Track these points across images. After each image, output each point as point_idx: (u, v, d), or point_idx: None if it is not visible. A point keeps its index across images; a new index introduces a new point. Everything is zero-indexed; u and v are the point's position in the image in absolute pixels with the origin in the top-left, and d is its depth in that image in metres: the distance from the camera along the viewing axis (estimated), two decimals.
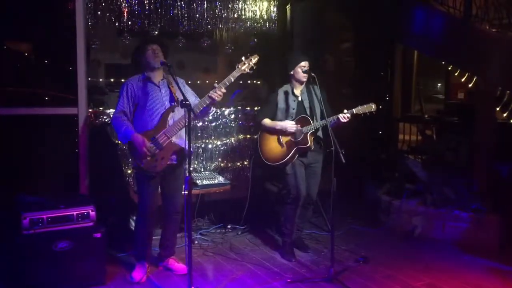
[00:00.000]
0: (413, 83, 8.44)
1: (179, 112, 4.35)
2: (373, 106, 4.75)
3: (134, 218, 4.93)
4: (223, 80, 4.28)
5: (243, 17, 6.22)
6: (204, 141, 6.11)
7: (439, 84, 10.86)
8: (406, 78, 8.23)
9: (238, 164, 6.32)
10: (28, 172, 5.18)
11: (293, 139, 4.87)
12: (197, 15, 5.93)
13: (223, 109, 6.15)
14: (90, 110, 5.35)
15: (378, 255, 5.07)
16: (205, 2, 5.94)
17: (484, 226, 5.32)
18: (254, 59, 4.36)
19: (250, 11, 6.25)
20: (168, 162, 4.32)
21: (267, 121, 4.97)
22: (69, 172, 5.19)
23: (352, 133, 7.04)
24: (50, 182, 5.28)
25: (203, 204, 5.88)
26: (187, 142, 4.41)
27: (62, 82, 5.38)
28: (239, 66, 4.33)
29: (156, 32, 5.71)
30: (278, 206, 5.45)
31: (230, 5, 6.11)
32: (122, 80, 4.46)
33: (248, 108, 6.32)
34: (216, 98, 4.25)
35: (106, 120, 5.45)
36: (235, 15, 6.16)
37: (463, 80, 6.00)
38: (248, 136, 6.33)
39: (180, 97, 4.39)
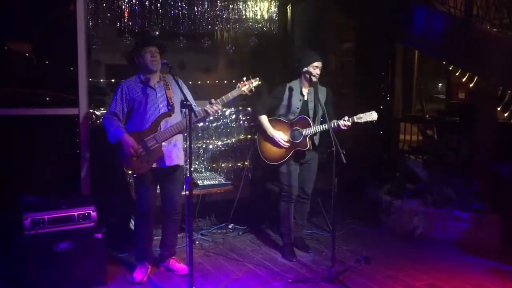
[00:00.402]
0: (414, 83, 8.45)
1: (175, 118, 4.37)
2: (374, 115, 4.70)
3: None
4: (221, 97, 4.32)
5: (244, 17, 6.22)
6: (205, 141, 6.10)
7: (440, 84, 10.86)
8: (407, 78, 8.24)
9: (239, 164, 6.32)
10: (29, 172, 5.19)
11: (292, 140, 4.87)
12: (198, 16, 5.93)
13: (224, 109, 6.15)
14: (91, 110, 5.35)
15: (379, 255, 5.07)
16: (205, 3, 5.94)
17: (484, 226, 5.32)
18: (255, 83, 4.39)
19: (251, 12, 6.25)
20: (153, 166, 4.34)
21: (263, 120, 4.97)
22: (70, 173, 5.20)
23: (353, 133, 7.05)
24: (51, 182, 5.30)
25: (204, 205, 5.88)
26: (181, 151, 4.48)
27: (63, 82, 5.39)
28: (240, 86, 4.36)
29: (157, 33, 5.71)
30: (278, 206, 5.45)
31: (230, 6, 6.11)
32: (123, 80, 4.46)
33: (249, 109, 6.32)
34: (211, 113, 4.31)
35: None
36: (236, 16, 6.16)
37: (464, 80, 5.99)
38: (249, 136, 6.33)
39: (176, 102, 4.42)
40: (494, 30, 5.79)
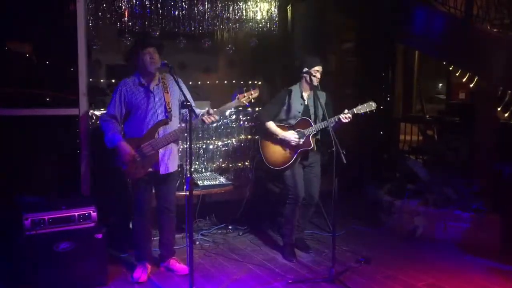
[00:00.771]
0: (414, 83, 8.45)
1: (172, 125, 4.38)
2: (373, 105, 4.74)
3: None
4: (219, 108, 4.34)
5: (244, 17, 6.21)
6: (205, 141, 6.10)
7: (440, 84, 10.87)
8: (407, 78, 8.25)
9: (239, 164, 6.32)
10: (30, 172, 5.19)
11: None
12: (198, 16, 5.93)
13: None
14: (91, 110, 5.35)
15: (379, 255, 5.07)
16: (206, 3, 5.94)
17: (485, 226, 5.32)
18: (255, 94, 4.37)
19: (251, 12, 6.25)
20: (149, 170, 4.35)
21: (271, 126, 4.95)
22: (70, 173, 5.20)
23: (353, 134, 7.05)
24: (52, 182, 5.30)
25: (204, 205, 5.88)
26: (177, 156, 4.51)
27: (63, 83, 5.38)
28: (239, 98, 4.33)
29: (157, 33, 5.71)
30: (280, 207, 5.45)
31: (231, 6, 6.10)
32: (121, 80, 4.45)
33: (249, 109, 6.31)
34: (208, 123, 4.32)
35: None
36: (236, 16, 6.16)
37: (464, 80, 5.99)
38: (249, 136, 6.33)
39: (174, 106, 4.42)
40: (494, 30, 5.79)
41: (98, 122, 5.19)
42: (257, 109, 6.20)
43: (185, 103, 3.83)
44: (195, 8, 5.91)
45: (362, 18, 7.09)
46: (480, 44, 5.51)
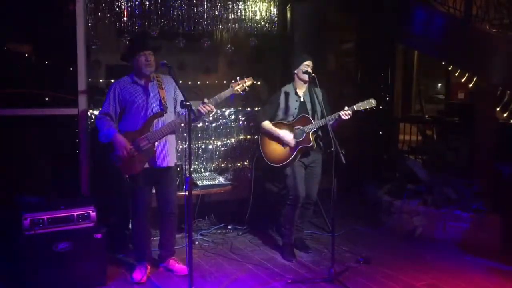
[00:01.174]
0: (414, 83, 8.45)
1: (168, 118, 4.36)
2: (373, 102, 4.73)
3: None
4: (213, 97, 4.31)
5: (243, 17, 6.21)
6: (204, 141, 6.10)
7: (439, 84, 10.88)
8: (406, 78, 8.25)
9: (239, 164, 6.32)
10: (29, 172, 5.18)
11: (295, 139, 4.86)
12: (197, 16, 5.93)
13: (224, 109, 6.15)
14: (90, 110, 5.34)
15: (378, 255, 5.07)
16: (205, 3, 5.94)
17: (485, 226, 5.32)
18: (248, 82, 4.38)
19: (250, 12, 6.25)
20: (146, 166, 4.33)
21: (266, 125, 4.96)
22: (70, 173, 5.19)
23: (352, 134, 7.04)
24: (51, 182, 5.29)
25: (203, 205, 5.88)
26: (174, 150, 4.48)
27: (62, 82, 5.37)
28: (233, 86, 4.34)
29: (157, 32, 5.70)
30: (279, 207, 5.45)
31: (230, 6, 6.10)
32: (115, 80, 4.45)
33: (249, 109, 6.31)
34: (204, 113, 4.29)
35: None
36: (235, 16, 6.16)
37: (463, 80, 5.99)
38: (248, 136, 6.33)
39: (169, 101, 4.41)
40: (494, 30, 5.79)
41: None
42: (256, 108, 6.20)
43: (184, 102, 3.82)
44: (195, 8, 5.91)
45: (362, 18, 7.09)
46: (479, 44, 5.51)
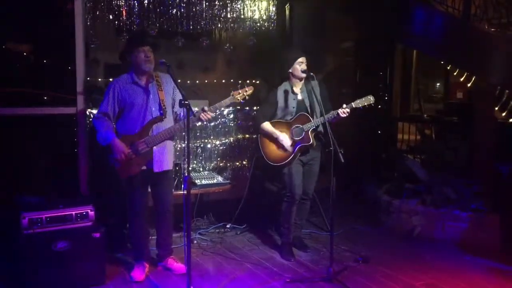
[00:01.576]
0: (413, 83, 8.45)
1: (167, 123, 4.36)
2: (371, 98, 4.71)
3: None
4: (214, 105, 4.32)
5: (242, 16, 6.20)
6: (203, 140, 6.10)
7: (438, 84, 10.89)
8: (405, 77, 8.25)
9: (237, 163, 6.31)
10: (28, 172, 5.17)
11: (294, 138, 4.85)
12: (196, 15, 5.91)
13: (222, 108, 6.13)
14: (89, 109, 5.33)
15: (377, 255, 5.07)
16: (204, 2, 5.93)
17: (484, 226, 5.32)
18: (249, 91, 4.36)
19: (249, 11, 6.24)
20: (142, 168, 4.33)
21: (266, 126, 4.96)
22: (69, 172, 5.19)
23: (351, 133, 7.04)
24: (50, 182, 5.28)
25: (202, 204, 5.87)
26: (171, 154, 4.48)
27: (61, 81, 5.37)
28: (233, 94, 4.33)
29: (156, 31, 5.69)
30: (278, 206, 5.44)
31: (229, 5, 6.09)
32: (114, 78, 4.43)
33: (247, 108, 6.30)
34: (204, 120, 4.30)
35: None
36: (234, 15, 6.15)
37: (462, 79, 6.00)
38: (247, 135, 6.32)
39: (168, 104, 4.40)
40: (492, 29, 5.79)
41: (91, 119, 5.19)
42: (254, 108, 6.19)
43: (183, 102, 3.80)
44: (193, 7, 5.90)
45: (361, 17, 7.08)
46: (478, 43, 5.51)
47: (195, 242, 5.37)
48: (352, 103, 4.72)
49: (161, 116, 4.33)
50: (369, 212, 6.30)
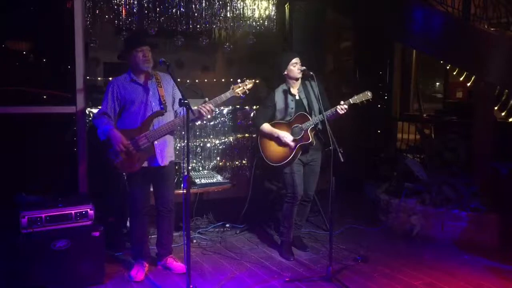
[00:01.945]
0: (412, 82, 8.45)
1: (167, 117, 4.35)
2: (368, 94, 4.70)
3: None
4: (214, 98, 4.30)
5: (242, 16, 6.21)
6: (202, 140, 6.10)
7: (437, 83, 10.90)
8: (405, 77, 8.25)
9: (237, 163, 6.32)
10: (27, 171, 5.17)
11: (294, 137, 4.85)
12: (196, 14, 5.92)
13: (222, 108, 6.15)
14: (88, 108, 5.33)
15: (376, 254, 5.07)
16: (203, 1, 5.93)
17: (483, 225, 5.32)
18: (249, 85, 4.37)
19: (249, 10, 6.24)
20: (144, 165, 4.32)
21: (266, 127, 4.96)
22: (68, 171, 5.19)
23: (351, 132, 7.05)
24: (49, 181, 5.28)
25: (201, 203, 5.88)
26: (172, 149, 4.47)
27: (60, 80, 5.37)
28: (234, 88, 4.34)
29: (155, 30, 5.69)
30: (277, 205, 5.45)
31: (228, 4, 6.10)
32: (113, 78, 4.43)
33: (247, 107, 6.31)
34: (204, 113, 4.24)
35: None
36: (234, 14, 6.15)
37: (461, 79, 6.00)
38: (246, 135, 6.33)
39: (169, 100, 4.40)
40: (492, 29, 5.79)
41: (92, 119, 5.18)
42: (254, 107, 6.20)
43: (182, 101, 3.81)
44: (193, 6, 5.90)
45: (361, 17, 7.08)
46: (477, 43, 5.50)
47: (194, 241, 5.38)
48: (350, 99, 4.72)
49: (162, 111, 4.33)
50: (368, 212, 6.31)
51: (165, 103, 4.34)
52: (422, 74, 9.24)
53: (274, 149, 4.94)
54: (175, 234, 4.96)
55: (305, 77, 4.89)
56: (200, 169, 6.11)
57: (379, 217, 6.08)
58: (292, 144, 4.82)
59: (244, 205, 5.87)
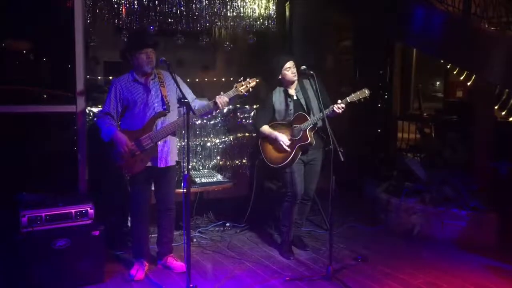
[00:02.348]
0: (412, 82, 8.45)
1: (171, 117, 4.35)
2: (366, 92, 4.68)
3: None
4: (227, 92, 4.33)
5: (242, 15, 6.21)
6: (202, 139, 6.10)
7: (438, 83, 10.89)
8: (405, 76, 8.24)
9: (237, 162, 6.32)
10: (27, 170, 5.17)
11: (293, 138, 4.85)
12: (196, 13, 5.92)
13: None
14: (89, 108, 5.33)
15: (376, 253, 5.07)
16: (204, 0, 5.93)
17: (483, 224, 5.32)
18: (252, 83, 4.38)
19: (249, 9, 6.24)
20: (147, 165, 4.32)
21: (265, 129, 4.96)
22: (68, 170, 5.18)
23: (351, 131, 7.05)
24: (49, 180, 5.28)
25: (201, 202, 5.88)
26: (175, 149, 4.47)
27: (60, 80, 5.37)
28: (237, 87, 4.34)
29: (156, 28, 5.69)
30: (277, 204, 5.45)
31: (229, 3, 6.09)
32: (115, 78, 4.43)
33: (247, 107, 6.31)
34: (221, 106, 4.29)
35: None
36: (234, 13, 6.15)
37: (461, 78, 6.00)
38: (246, 134, 6.33)
39: (172, 100, 4.40)
40: (492, 28, 5.79)
41: (96, 119, 5.18)
42: (254, 106, 6.20)
43: (182, 100, 3.81)
44: (193, 5, 5.90)
45: (360, 16, 7.08)
46: (478, 42, 5.50)
47: (194, 240, 5.38)
48: (347, 98, 4.70)
49: (164, 111, 4.32)
50: (368, 211, 6.30)
51: (168, 103, 4.34)
52: (422, 73, 9.23)
53: (274, 150, 4.94)
54: (175, 233, 4.96)
55: (303, 76, 4.88)
56: (200, 168, 6.11)
57: (379, 216, 6.08)
58: (288, 146, 4.81)
59: (247, 205, 5.87)
